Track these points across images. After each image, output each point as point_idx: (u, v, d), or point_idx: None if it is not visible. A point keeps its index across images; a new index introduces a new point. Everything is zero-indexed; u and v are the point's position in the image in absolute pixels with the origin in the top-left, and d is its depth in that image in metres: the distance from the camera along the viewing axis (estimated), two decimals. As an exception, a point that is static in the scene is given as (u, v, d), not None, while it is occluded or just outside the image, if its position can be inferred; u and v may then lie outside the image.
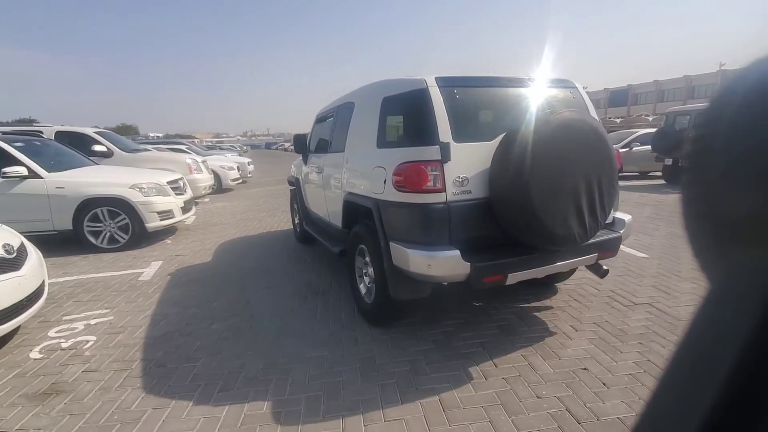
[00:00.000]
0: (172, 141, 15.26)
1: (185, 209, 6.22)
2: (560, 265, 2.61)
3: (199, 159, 9.23)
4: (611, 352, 2.61)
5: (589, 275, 3.87)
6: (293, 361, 2.63)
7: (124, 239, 5.49)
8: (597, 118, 2.94)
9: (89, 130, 8.30)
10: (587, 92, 3.07)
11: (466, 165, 2.42)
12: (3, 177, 4.98)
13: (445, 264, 2.33)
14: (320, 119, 4.60)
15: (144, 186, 5.57)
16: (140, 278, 4.36)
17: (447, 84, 2.53)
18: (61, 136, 7.89)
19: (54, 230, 5.29)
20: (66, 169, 5.59)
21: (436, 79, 2.53)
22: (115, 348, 2.88)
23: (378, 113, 2.88)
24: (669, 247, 4.76)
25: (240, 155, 18.95)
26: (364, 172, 2.95)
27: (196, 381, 2.46)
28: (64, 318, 3.41)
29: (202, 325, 3.21)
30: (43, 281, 3.21)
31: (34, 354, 2.82)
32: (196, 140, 38.14)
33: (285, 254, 5.11)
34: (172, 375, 2.53)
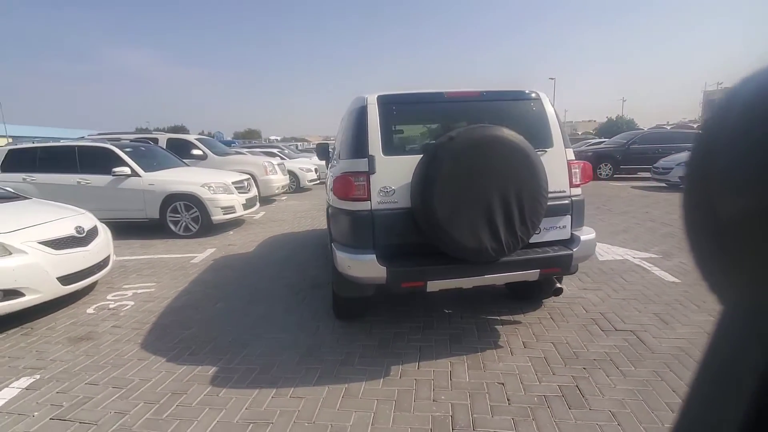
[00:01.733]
0: (267, 146, 17.25)
1: (247, 206, 7.20)
2: (491, 278, 2.61)
3: (276, 162, 10.43)
4: (543, 372, 2.53)
5: (586, 294, 3.66)
6: (254, 340, 3.09)
7: (195, 228, 6.63)
8: (559, 130, 2.84)
9: (191, 137, 10.04)
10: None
11: (393, 176, 2.60)
12: (113, 175, 6.44)
13: (362, 266, 2.55)
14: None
15: (212, 185, 6.65)
16: (192, 261, 5.30)
17: (387, 101, 2.73)
18: (171, 142, 9.71)
19: (146, 218, 6.65)
20: (159, 170, 6.95)
21: (378, 97, 2.74)
22: (141, 312, 3.68)
23: (343, 126, 3.19)
24: (717, 273, 4.10)
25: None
26: (328, 182, 3.29)
27: (178, 344, 3.07)
28: (124, 286, 4.40)
29: (210, 303, 3.88)
30: (108, 256, 4.20)
31: (90, 310, 3.76)
32: (305, 143, 42.03)
33: (312, 250, 5.66)
34: (165, 337, 3.19)
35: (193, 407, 2.31)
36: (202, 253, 5.66)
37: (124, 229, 6.80)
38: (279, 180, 10.20)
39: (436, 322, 3.27)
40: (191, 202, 6.55)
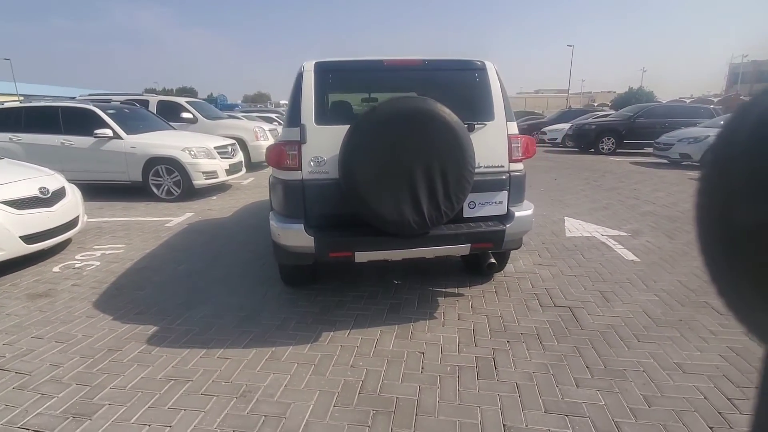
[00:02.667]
0: (268, 110, 17.08)
1: (231, 171, 7.24)
2: (419, 251, 2.63)
3: (267, 128, 10.35)
4: (466, 344, 2.59)
5: (539, 270, 3.68)
6: (201, 303, 3.19)
7: (177, 192, 6.71)
8: (502, 102, 2.76)
9: (182, 100, 9.97)
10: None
11: (325, 147, 2.57)
12: (94, 137, 6.48)
13: (290, 235, 2.58)
14: None
15: (193, 149, 6.67)
16: (166, 224, 5.41)
17: (323, 69, 2.66)
18: (162, 104, 9.66)
19: (129, 181, 6.73)
20: (142, 132, 6.96)
21: (315, 64, 2.68)
22: (104, 272, 3.81)
23: None
24: (680, 254, 4.07)
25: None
26: None
27: (128, 304, 3.19)
28: (94, 247, 4.53)
29: (172, 265, 3.98)
30: (77, 216, 4.30)
31: (56, 268, 3.90)
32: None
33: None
34: (118, 297, 3.31)
35: (124, 363, 2.43)
36: (180, 217, 5.76)
37: (109, 192, 6.94)
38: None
39: (381, 292, 3.33)
40: (172, 165, 6.59)
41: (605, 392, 2.13)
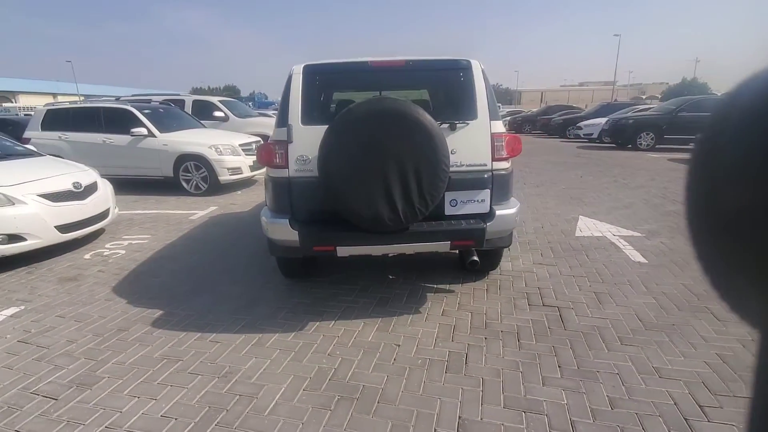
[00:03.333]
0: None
1: (254, 167, 7.56)
2: (399, 247, 2.71)
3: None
4: (443, 338, 2.65)
5: (537, 269, 3.65)
6: (206, 291, 3.43)
7: (204, 187, 7.13)
8: (486, 101, 2.77)
9: (215, 99, 10.50)
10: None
11: (310, 146, 2.70)
12: (131, 135, 6.99)
13: (277, 229, 2.74)
14: None
15: (219, 146, 7.05)
16: (190, 217, 5.78)
17: (311, 71, 2.78)
18: (196, 103, 10.22)
19: (161, 176, 7.22)
20: (175, 131, 7.43)
21: (304, 66, 2.80)
22: (127, 260, 4.17)
23: None
24: (693, 257, 3.87)
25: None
26: None
27: (143, 289, 3.49)
28: (123, 237, 4.94)
29: (188, 255, 4.28)
30: (108, 209, 4.71)
31: (87, 255, 4.31)
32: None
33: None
34: (136, 282, 3.63)
35: (128, 342, 2.69)
36: (204, 211, 6.13)
37: (145, 186, 7.47)
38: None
39: (374, 285, 3.43)
40: (200, 162, 7.00)
41: (570, 392, 2.13)
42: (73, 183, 4.29)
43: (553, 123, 18.30)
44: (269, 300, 3.25)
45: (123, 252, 4.40)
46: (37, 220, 3.88)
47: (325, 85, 2.83)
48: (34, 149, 5.20)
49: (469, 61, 2.83)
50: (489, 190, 2.77)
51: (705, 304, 2.97)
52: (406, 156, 2.42)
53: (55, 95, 47.18)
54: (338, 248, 2.68)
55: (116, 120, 7.28)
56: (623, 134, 12.63)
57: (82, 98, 27.99)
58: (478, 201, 2.77)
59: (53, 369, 2.42)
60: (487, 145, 2.75)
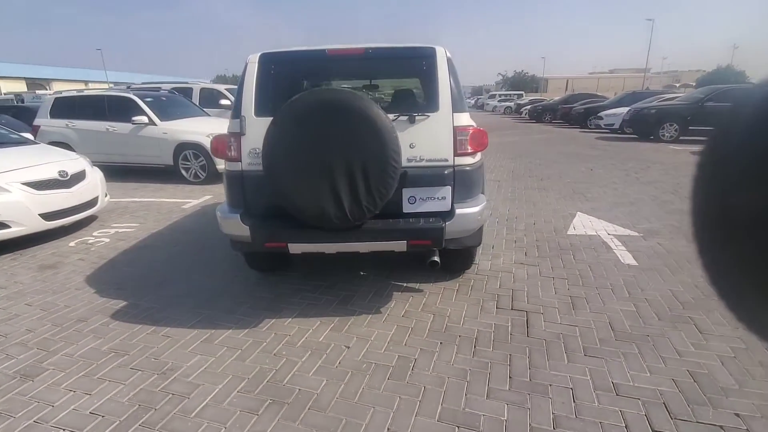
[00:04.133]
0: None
1: (254, 156, 7.55)
2: (353, 245, 2.59)
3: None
4: (396, 342, 2.53)
5: (515, 270, 3.49)
6: (177, 282, 3.41)
7: (203, 176, 7.17)
8: (449, 92, 2.59)
9: (221, 87, 10.53)
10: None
11: (263, 138, 2.59)
12: (132, 123, 7.07)
13: (229, 224, 2.67)
14: None
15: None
16: (183, 206, 5.81)
17: (267, 60, 2.66)
18: (203, 91, 10.28)
19: (162, 164, 7.30)
20: (175, 119, 7.48)
21: (261, 55, 2.68)
22: (109, 249, 4.21)
23: None
24: (689, 260, 3.61)
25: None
26: None
27: (115, 280, 3.50)
28: (112, 225, 5.01)
29: (170, 246, 4.29)
30: (96, 197, 4.77)
31: (72, 243, 4.38)
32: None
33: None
34: (110, 272, 3.66)
35: (83, 333, 2.70)
36: (198, 200, 6.16)
37: (148, 174, 7.59)
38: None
39: (342, 282, 3.34)
40: (198, 150, 7.03)
41: (514, 407, 1.99)
42: (59, 171, 4.35)
43: (574, 112, 17.56)
44: (235, 294, 3.21)
45: (107, 240, 4.46)
46: (20, 208, 3.95)
47: (281, 76, 2.71)
48: (31, 137, 5.29)
49: (433, 49, 2.64)
50: (450, 187, 2.60)
51: (689, 313, 2.74)
52: (352, 150, 2.29)
53: (86, 83, 48.74)
54: (290, 245, 2.59)
55: (119, 108, 7.38)
56: (645, 125, 11.99)
57: (111, 86, 28.80)
58: (438, 198, 2.61)
59: (4, 358, 2.45)
60: (449, 139, 2.58)
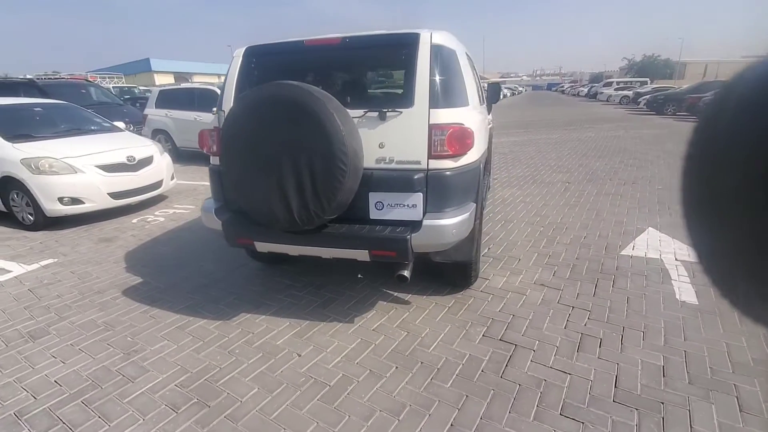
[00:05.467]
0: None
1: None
2: (314, 250, 2.42)
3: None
4: (350, 358, 2.33)
5: (530, 292, 3.02)
6: (188, 265, 3.64)
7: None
8: (427, 85, 2.24)
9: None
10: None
11: (241, 132, 2.55)
12: (212, 113, 7.76)
13: (206, 218, 2.71)
14: None
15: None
16: (239, 192, 6.23)
17: (250, 53, 2.59)
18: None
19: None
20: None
21: (246, 49, 2.63)
22: (158, 227, 4.69)
23: None
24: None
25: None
26: None
27: (145, 257, 3.88)
28: (174, 205, 5.57)
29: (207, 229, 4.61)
30: (161, 180, 5.35)
31: (134, 220, 4.98)
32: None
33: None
34: (146, 249, 4.06)
35: (93, 304, 3.02)
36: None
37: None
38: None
39: (333, 284, 3.21)
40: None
41: (434, 463, 1.67)
42: (128, 156, 4.95)
43: (702, 104, 14.61)
44: (229, 283, 3.30)
45: (162, 219, 4.97)
46: (92, 187, 4.60)
47: (262, 69, 2.63)
48: (123, 126, 6.11)
49: (415, 35, 2.30)
50: (422, 194, 2.27)
51: (737, 380, 2.04)
52: (297, 149, 2.11)
53: (219, 76, 55.74)
54: (256, 243, 2.54)
55: (205, 99, 8.17)
56: None
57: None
58: (408, 206, 2.30)
59: (26, 318, 2.85)
60: (422, 139, 2.24)
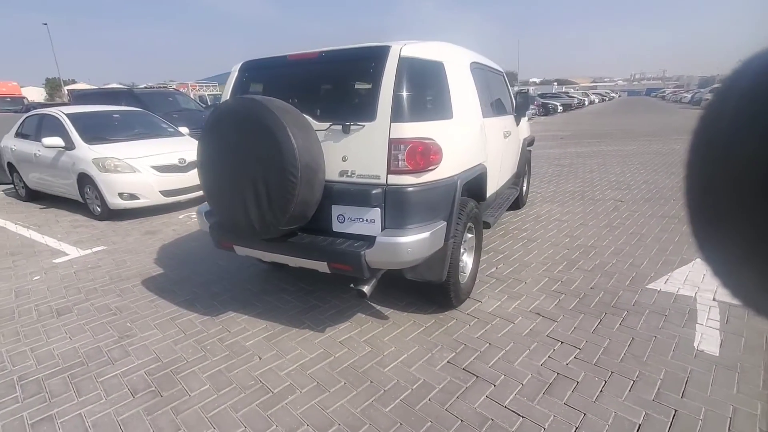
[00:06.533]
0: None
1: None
2: (282, 258, 2.47)
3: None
4: (301, 369, 2.35)
5: (525, 322, 2.81)
6: (205, 261, 3.95)
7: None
8: (390, 98, 2.19)
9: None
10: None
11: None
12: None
13: (199, 221, 2.90)
14: None
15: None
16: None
17: (244, 68, 2.74)
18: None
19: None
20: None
21: (242, 63, 2.78)
22: (196, 224, 5.14)
23: None
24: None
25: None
26: None
27: (175, 250, 4.28)
28: (219, 204, 6.06)
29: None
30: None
31: (180, 216, 5.52)
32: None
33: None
34: (175, 244, 4.47)
35: (115, 290, 3.41)
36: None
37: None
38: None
39: (323, 291, 3.26)
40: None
41: (333, 489, 1.62)
42: (179, 159, 5.51)
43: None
44: (232, 282, 3.51)
45: (203, 217, 5.44)
46: (147, 185, 5.20)
47: (252, 83, 2.76)
48: (186, 131, 6.77)
49: (385, 48, 2.25)
50: (380, 210, 2.21)
51: (730, 460, 1.67)
52: (256, 161, 2.18)
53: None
54: (236, 248, 2.68)
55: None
56: None
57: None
58: (366, 221, 2.25)
59: (59, 297, 3.32)
60: (383, 153, 2.18)
